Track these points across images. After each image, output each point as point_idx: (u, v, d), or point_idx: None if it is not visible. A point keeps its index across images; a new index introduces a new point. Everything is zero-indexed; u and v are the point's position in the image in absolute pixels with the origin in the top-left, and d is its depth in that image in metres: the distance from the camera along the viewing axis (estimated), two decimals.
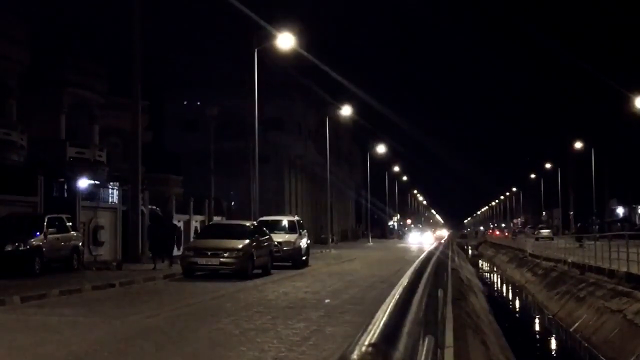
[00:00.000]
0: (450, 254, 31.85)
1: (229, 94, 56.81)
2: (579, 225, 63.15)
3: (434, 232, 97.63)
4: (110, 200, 32.07)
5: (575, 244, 37.64)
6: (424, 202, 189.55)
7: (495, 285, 43.09)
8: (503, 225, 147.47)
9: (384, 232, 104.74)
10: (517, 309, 31.31)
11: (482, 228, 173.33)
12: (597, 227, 74.54)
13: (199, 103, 58.67)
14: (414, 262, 10.12)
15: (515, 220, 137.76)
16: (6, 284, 17.79)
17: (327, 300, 16.22)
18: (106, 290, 18.53)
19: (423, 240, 71.60)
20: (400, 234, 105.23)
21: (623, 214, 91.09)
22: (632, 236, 24.77)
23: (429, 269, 8.01)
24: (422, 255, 11.43)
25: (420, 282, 5.52)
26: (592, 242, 28.77)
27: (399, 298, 3.69)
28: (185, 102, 64.52)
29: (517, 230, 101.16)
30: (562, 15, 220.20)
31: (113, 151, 42.96)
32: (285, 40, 35.53)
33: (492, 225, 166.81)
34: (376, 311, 3.13)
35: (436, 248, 15.52)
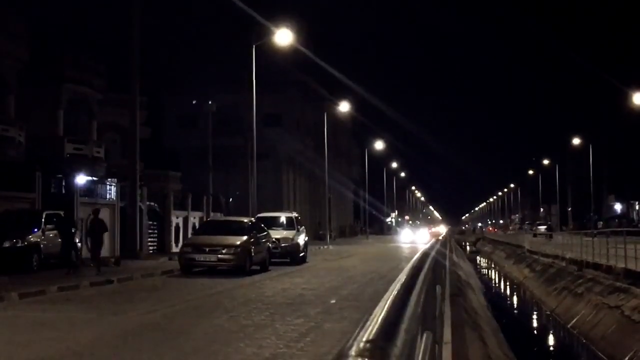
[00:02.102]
0: (447, 252, 31.65)
1: (227, 91, 56.76)
2: (549, 223, 79.75)
3: (430, 228, 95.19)
4: (108, 197, 32.05)
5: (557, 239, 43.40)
6: (422, 199, 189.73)
7: (493, 282, 43.13)
8: (501, 221, 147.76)
9: (382, 229, 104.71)
10: (515, 305, 31.35)
11: (480, 224, 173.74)
12: (600, 223, 75.00)
13: (197, 99, 58.59)
14: (412, 258, 10.13)
15: (512, 216, 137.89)
16: (4, 281, 17.80)
17: (332, 302, 16.22)
18: (104, 287, 18.55)
19: (417, 238, 65.95)
20: (396, 230, 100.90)
21: (621, 210, 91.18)
22: (629, 232, 24.81)
23: (425, 267, 8.02)
24: (416, 256, 11.11)
25: (418, 279, 5.53)
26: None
27: (397, 294, 3.70)
28: (183, 98, 64.42)
29: (512, 227, 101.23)
30: (561, 12, 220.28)
31: (111, 147, 42.91)
32: (284, 37, 35.51)
33: (489, 222, 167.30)
34: (374, 307, 3.13)
35: (432, 247, 14.94)
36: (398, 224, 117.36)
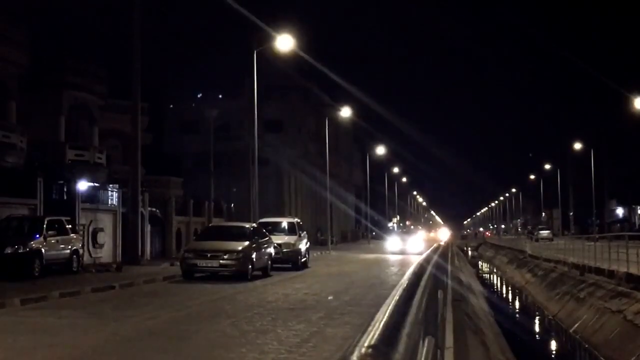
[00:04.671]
0: (449, 267, 25.31)
1: (229, 96, 56.85)
2: (535, 226, 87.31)
3: (432, 232, 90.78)
4: (109, 202, 32.04)
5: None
6: (424, 203, 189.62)
7: (495, 286, 43.07)
8: (502, 226, 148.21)
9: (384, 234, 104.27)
10: (517, 310, 31.29)
11: (481, 229, 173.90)
12: (597, 228, 74.89)
13: (198, 105, 58.67)
14: (414, 263, 10.12)
15: (515, 221, 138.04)
16: (6, 287, 17.78)
17: (329, 298, 16.21)
18: (106, 293, 18.53)
19: (409, 247, 49.20)
20: (385, 235, 74.70)
21: (623, 214, 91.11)
22: (631, 237, 24.77)
23: (428, 270, 8.02)
24: (412, 267, 8.22)
25: (419, 284, 5.52)
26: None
27: (398, 299, 3.69)
28: (185, 104, 64.49)
29: (515, 231, 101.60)
30: (562, 15, 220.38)
31: (113, 153, 42.90)
32: (285, 42, 35.50)
33: (490, 226, 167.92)
34: (376, 312, 3.13)
35: (427, 260, 11.44)
36: (399, 228, 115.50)
